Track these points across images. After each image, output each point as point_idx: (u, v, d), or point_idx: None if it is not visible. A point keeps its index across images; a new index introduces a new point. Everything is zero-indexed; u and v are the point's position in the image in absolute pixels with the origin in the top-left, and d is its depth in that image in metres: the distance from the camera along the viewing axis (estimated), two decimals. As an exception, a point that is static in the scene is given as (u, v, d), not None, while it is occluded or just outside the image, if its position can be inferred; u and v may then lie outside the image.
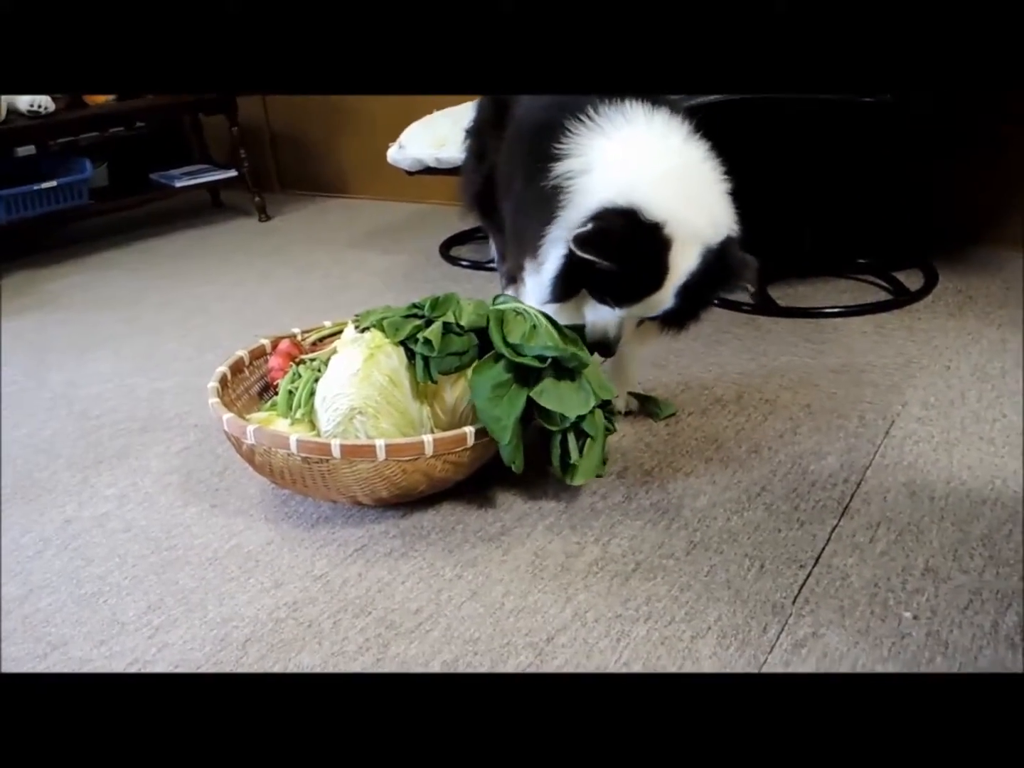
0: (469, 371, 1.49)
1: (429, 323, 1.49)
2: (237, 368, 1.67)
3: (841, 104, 2.11)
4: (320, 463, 1.38)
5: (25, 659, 1.22)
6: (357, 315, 1.61)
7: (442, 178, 2.60)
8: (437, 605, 1.28)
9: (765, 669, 1.12)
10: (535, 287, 1.58)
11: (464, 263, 2.78)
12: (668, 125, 1.47)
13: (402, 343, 1.48)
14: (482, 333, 1.50)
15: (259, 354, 1.72)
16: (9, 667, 1.21)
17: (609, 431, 1.49)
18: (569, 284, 1.47)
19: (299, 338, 1.76)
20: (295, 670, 1.17)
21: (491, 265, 2.55)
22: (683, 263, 1.40)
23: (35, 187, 2.93)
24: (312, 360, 1.62)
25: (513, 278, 1.95)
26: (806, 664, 1.13)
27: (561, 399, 1.41)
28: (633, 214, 1.36)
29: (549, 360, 1.42)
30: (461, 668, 1.16)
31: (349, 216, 3.46)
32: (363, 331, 1.52)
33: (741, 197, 1.48)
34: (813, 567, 1.30)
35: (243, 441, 1.43)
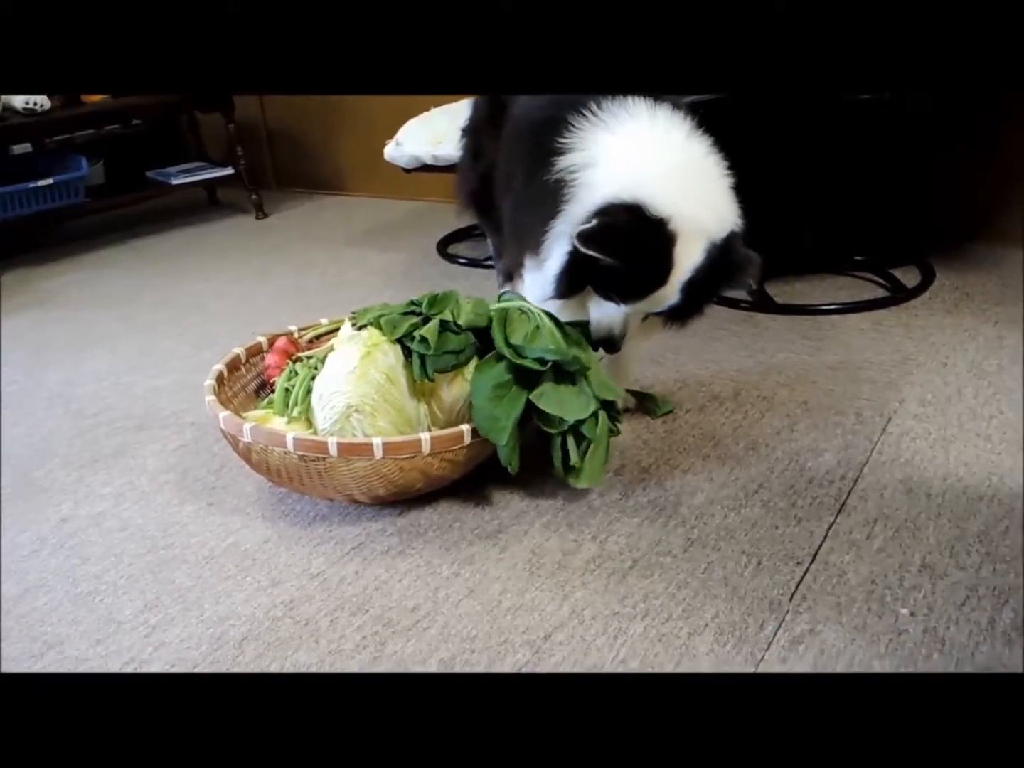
0: (466, 370, 1.49)
1: (427, 320, 1.49)
2: (234, 366, 1.66)
3: (839, 101, 2.11)
4: (317, 461, 1.38)
5: (21, 658, 1.21)
6: (354, 313, 1.61)
7: (439, 175, 2.59)
8: (434, 603, 1.27)
9: (762, 666, 1.12)
10: (535, 283, 1.58)
11: (461, 260, 2.78)
12: (671, 120, 1.46)
13: (399, 341, 1.47)
14: (481, 332, 1.50)
15: (256, 352, 1.72)
16: (5, 667, 1.20)
17: (613, 432, 1.49)
18: (573, 280, 1.46)
19: (296, 336, 1.76)
20: (292, 669, 1.17)
21: (488, 262, 2.55)
22: (688, 258, 1.39)
23: (31, 185, 2.93)
24: (309, 358, 1.62)
25: (510, 275, 1.94)
26: (803, 661, 1.13)
27: (561, 402, 1.41)
28: (637, 209, 1.36)
29: (550, 363, 1.41)
30: (458, 666, 1.16)
31: (346, 214, 3.46)
32: (360, 329, 1.51)
33: (739, 194, 1.48)
34: (810, 564, 1.30)
35: (239, 439, 1.43)
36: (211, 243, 3.17)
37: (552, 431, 1.41)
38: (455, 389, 1.49)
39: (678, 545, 1.36)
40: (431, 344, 1.43)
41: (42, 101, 2.90)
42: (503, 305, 1.52)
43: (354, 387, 1.42)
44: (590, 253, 1.35)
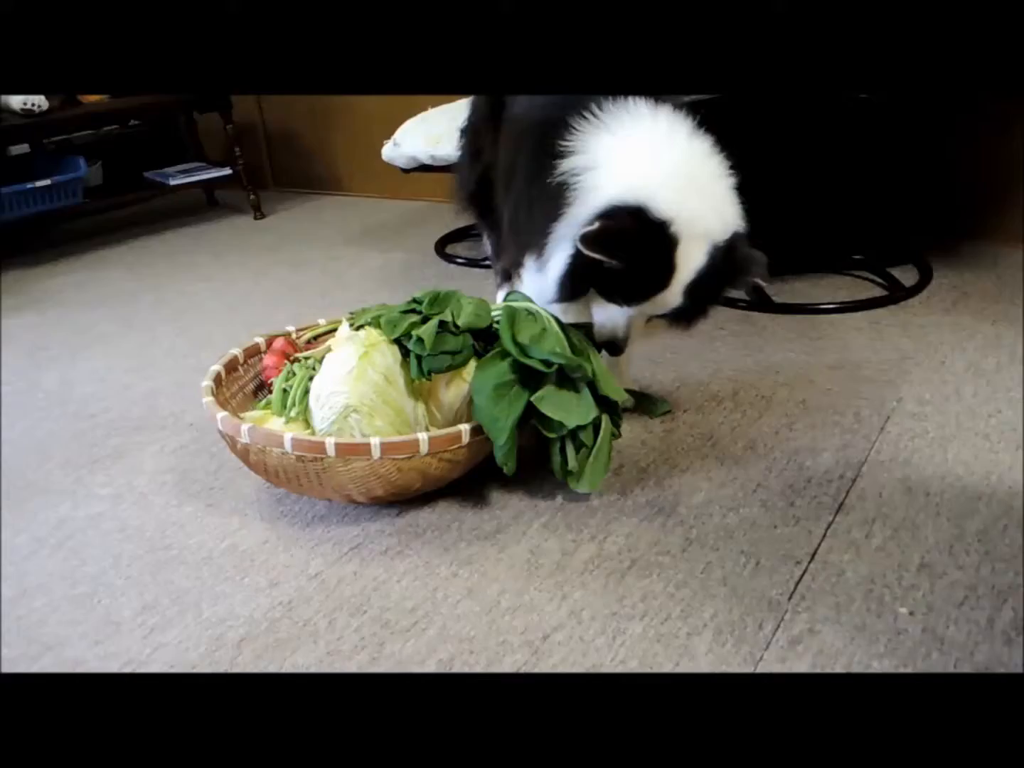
0: (465, 370, 1.49)
1: (426, 320, 1.48)
2: (231, 367, 1.66)
3: (836, 100, 2.11)
4: (315, 461, 1.38)
5: (19, 660, 1.21)
6: (352, 313, 1.61)
7: (437, 175, 2.59)
8: (433, 603, 1.27)
9: (761, 666, 1.12)
10: (533, 282, 1.57)
11: (460, 260, 2.78)
12: (673, 120, 1.46)
13: (397, 340, 1.47)
14: (480, 333, 1.49)
15: (254, 352, 1.72)
16: (4, 668, 1.20)
17: (615, 435, 1.49)
18: (576, 283, 1.45)
19: (294, 336, 1.76)
20: (290, 670, 1.17)
21: (486, 263, 2.55)
22: (691, 260, 1.39)
23: (29, 186, 2.92)
24: (307, 358, 1.62)
25: (508, 275, 1.94)
26: (802, 661, 1.13)
27: (562, 407, 1.40)
28: (640, 211, 1.35)
29: (555, 366, 1.41)
30: (457, 667, 1.16)
31: (344, 214, 3.46)
32: (358, 329, 1.51)
33: (738, 194, 1.48)
34: (809, 563, 1.30)
35: (237, 440, 1.42)
36: (209, 244, 3.17)
37: (551, 435, 1.41)
38: (453, 390, 1.49)
39: (677, 545, 1.36)
40: (427, 345, 1.43)
41: (40, 102, 2.89)
42: (511, 304, 1.52)
43: (352, 387, 1.42)
44: (593, 255, 1.34)
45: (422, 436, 1.37)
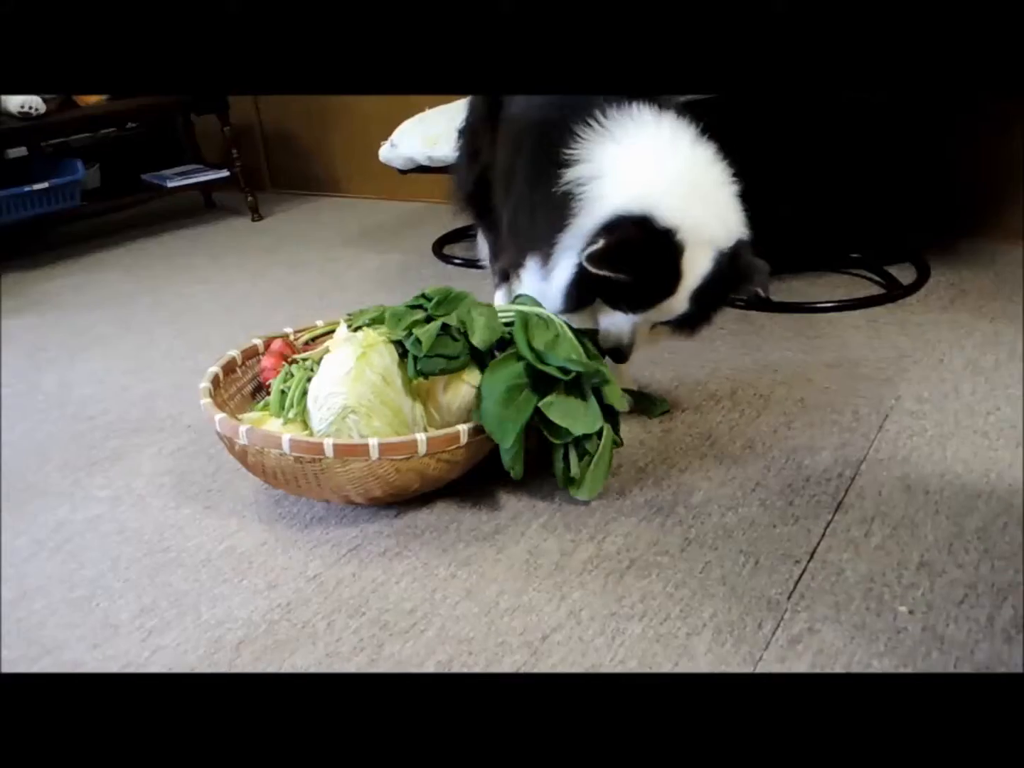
0: (465, 373, 1.48)
1: (430, 319, 1.48)
2: (229, 368, 1.66)
3: (834, 99, 2.11)
4: (313, 463, 1.38)
5: (18, 662, 1.21)
6: (350, 314, 1.61)
7: (434, 176, 2.59)
8: (431, 605, 1.27)
9: (761, 665, 1.12)
10: (533, 283, 1.57)
11: (457, 261, 2.78)
12: (676, 128, 1.46)
13: (396, 341, 1.47)
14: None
15: (252, 354, 1.72)
16: (3, 671, 1.20)
17: (617, 444, 1.49)
18: (582, 294, 1.46)
19: (292, 338, 1.76)
20: (289, 671, 1.17)
21: (482, 264, 2.55)
22: (697, 267, 1.40)
23: (27, 189, 2.92)
24: (305, 360, 1.61)
25: (507, 275, 1.94)
26: (802, 660, 1.12)
27: (569, 414, 1.40)
28: (646, 221, 1.36)
29: (573, 374, 1.41)
30: (456, 668, 1.16)
31: (341, 215, 3.46)
32: (356, 330, 1.51)
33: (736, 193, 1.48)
34: (808, 562, 1.30)
35: (236, 441, 1.42)
36: (207, 245, 3.16)
37: (557, 442, 1.41)
38: (451, 391, 1.49)
39: (676, 545, 1.36)
40: (424, 346, 1.42)
41: (37, 105, 2.89)
42: (522, 309, 1.52)
43: (350, 388, 1.42)
44: (601, 273, 1.35)
45: (420, 437, 1.37)
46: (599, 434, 1.43)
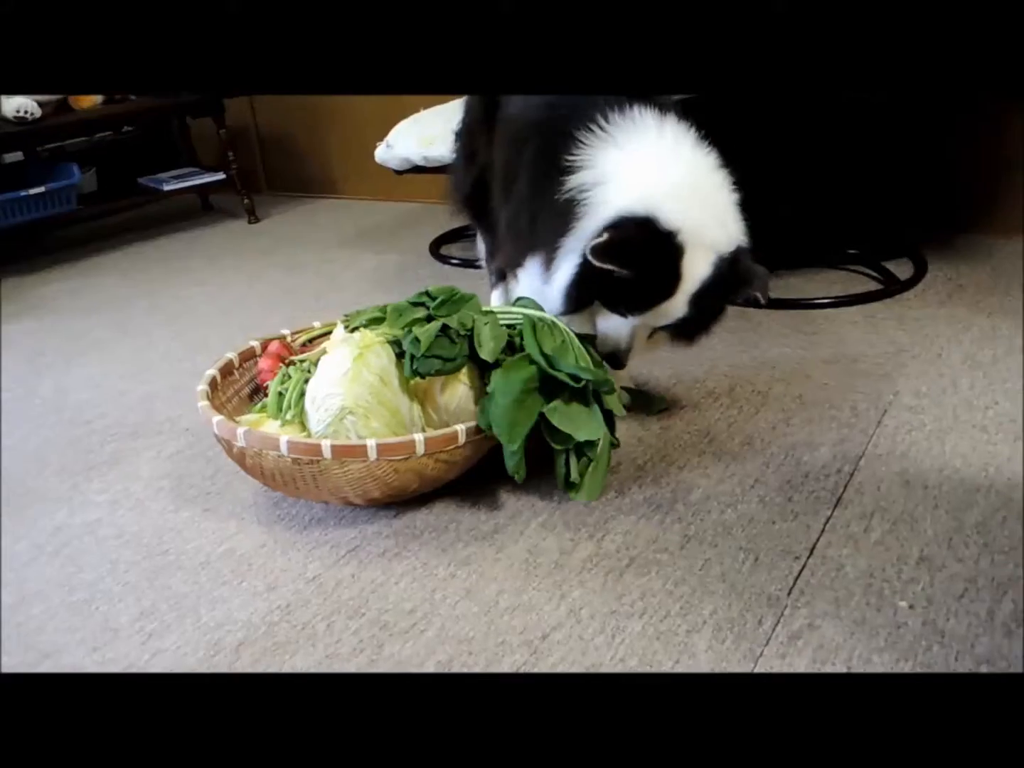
0: (462, 374, 1.48)
1: (431, 319, 1.48)
2: (227, 370, 1.66)
3: (831, 97, 2.10)
4: (311, 464, 1.37)
5: (18, 667, 1.21)
6: (347, 315, 1.60)
7: (431, 177, 2.59)
8: (431, 605, 1.27)
9: (761, 662, 1.12)
10: (531, 284, 1.57)
11: (454, 261, 2.78)
12: (678, 133, 1.47)
13: (392, 341, 1.47)
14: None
15: (249, 356, 1.72)
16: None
17: (614, 445, 1.49)
18: (583, 294, 1.46)
19: (289, 339, 1.76)
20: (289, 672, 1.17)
21: (479, 264, 2.54)
22: (697, 269, 1.40)
23: (23, 193, 2.92)
24: (302, 361, 1.61)
25: (503, 276, 1.94)
26: (802, 656, 1.12)
27: (572, 420, 1.40)
28: (649, 222, 1.37)
29: (583, 382, 1.41)
30: (456, 667, 1.15)
31: (338, 216, 3.45)
32: (353, 331, 1.51)
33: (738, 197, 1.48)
34: (808, 558, 1.30)
35: (233, 443, 1.42)
36: (204, 248, 3.16)
37: (558, 447, 1.41)
38: (449, 391, 1.49)
39: (675, 542, 1.36)
40: (422, 346, 1.42)
41: (33, 109, 2.88)
42: (526, 312, 1.51)
43: (347, 389, 1.42)
44: (604, 266, 1.35)
45: (418, 437, 1.37)
46: (600, 441, 1.43)
